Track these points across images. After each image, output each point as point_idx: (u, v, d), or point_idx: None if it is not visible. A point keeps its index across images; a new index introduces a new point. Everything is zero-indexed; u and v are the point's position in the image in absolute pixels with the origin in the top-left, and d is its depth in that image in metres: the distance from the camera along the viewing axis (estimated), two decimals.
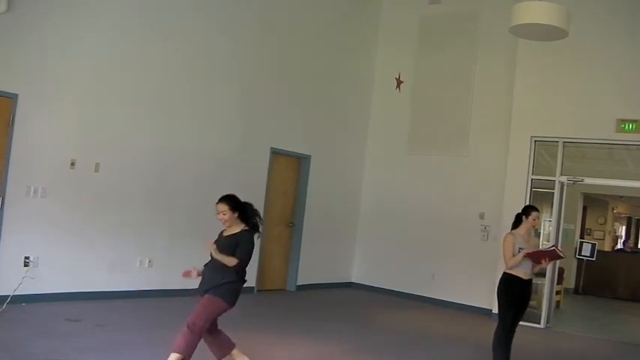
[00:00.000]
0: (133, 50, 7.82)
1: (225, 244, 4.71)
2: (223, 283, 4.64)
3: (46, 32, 6.97)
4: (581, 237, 14.84)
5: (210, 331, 4.80)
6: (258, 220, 4.90)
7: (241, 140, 9.20)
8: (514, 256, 5.68)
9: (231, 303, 4.71)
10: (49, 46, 7.01)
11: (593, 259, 9.81)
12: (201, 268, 4.82)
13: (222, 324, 4.92)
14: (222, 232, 4.89)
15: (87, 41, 7.34)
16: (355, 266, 11.34)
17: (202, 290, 4.71)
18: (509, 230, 5.99)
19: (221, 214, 4.76)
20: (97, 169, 7.47)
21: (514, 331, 5.87)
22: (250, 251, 4.74)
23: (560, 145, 9.08)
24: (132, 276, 7.80)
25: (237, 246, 4.68)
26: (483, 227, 9.89)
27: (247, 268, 4.81)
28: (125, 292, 7.73)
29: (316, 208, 10.40)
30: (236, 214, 4.78)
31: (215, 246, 4.68)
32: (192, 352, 4.56)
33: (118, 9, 7.62)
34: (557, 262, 8.80)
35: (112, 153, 7.64)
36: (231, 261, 4.61)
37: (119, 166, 7.72)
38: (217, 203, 4.80)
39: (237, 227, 4.79)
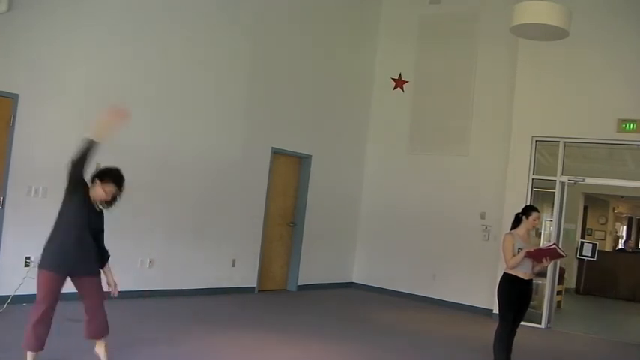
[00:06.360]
0: (134, 50, 7.82)
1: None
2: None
3: (47, 32, 6.98)
4: (582, 237, 14.85)
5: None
6: None
7: (242, 140, 9.20)
8: (514, 255, 5.68)
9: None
10: (50, 46, 7.01)
11: (594, 259, 9.84)
12: None
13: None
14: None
15: (87, 41, 7.34)
16: (356, 266, 11.34)
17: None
18: (509, 230, 5.99)
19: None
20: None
21: (515, 332, 5.86)
22: None
23: (561, 145, 9.08)
24: (132, 276, 7.79)
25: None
26: (484, 227, 9.89)
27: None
28: (125, 292, 7.68)
29: (317, 208, 10.40)
30: None
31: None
32: None
33: (118, 9, 7.63)
34: (558, 262, 8.79)
35: (112, 153, 7.60)
36: None
37: (119, 165, 7.62)
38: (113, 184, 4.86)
39: None
